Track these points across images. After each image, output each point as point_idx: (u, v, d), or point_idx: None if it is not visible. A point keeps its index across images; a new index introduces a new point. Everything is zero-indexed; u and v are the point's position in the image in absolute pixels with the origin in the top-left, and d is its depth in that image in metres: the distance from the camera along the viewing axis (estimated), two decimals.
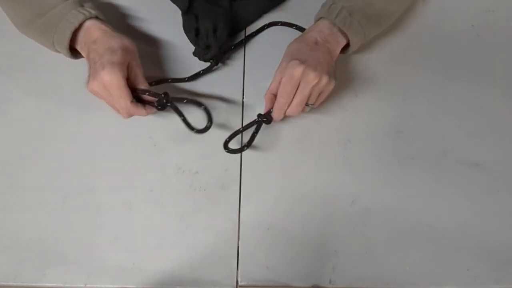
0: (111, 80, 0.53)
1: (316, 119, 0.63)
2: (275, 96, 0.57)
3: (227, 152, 0.58)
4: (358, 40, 0.60)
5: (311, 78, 0.54)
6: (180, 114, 0.58)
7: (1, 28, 0.68)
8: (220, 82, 0.65)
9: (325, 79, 0.54)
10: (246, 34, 0.68)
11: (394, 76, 0.66)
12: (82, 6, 0.58)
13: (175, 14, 0.67)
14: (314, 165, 0.60)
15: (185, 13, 0.64)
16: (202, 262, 0.55)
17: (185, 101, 0.57)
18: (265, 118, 0.58)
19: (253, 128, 0.59)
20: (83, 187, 0.58)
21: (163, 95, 0.56)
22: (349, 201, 0.58)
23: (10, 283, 0.54)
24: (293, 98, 0.56)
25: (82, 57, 0.61)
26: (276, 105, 0.57)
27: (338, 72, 0.65)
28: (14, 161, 0.60)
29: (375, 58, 0.67)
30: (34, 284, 0.54)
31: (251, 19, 0.69)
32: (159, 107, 0.57)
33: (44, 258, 0.55)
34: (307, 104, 0.57)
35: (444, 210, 0.58)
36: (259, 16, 0.69)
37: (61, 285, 0.54)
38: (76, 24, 0.56)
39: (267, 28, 0.68)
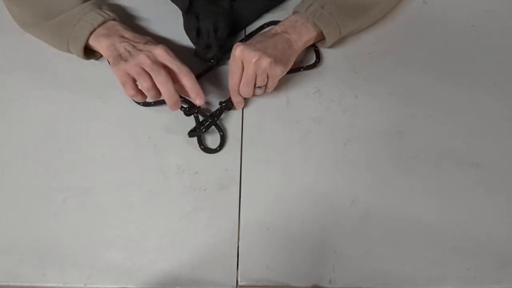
0: (168, 52, 0.56)
1: (316, 119, 0.63)
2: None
3: (189, 136, 0.60)
4: (331, 31, 0.61)
5: (250, 56, 0.56)
6: (199, 128, 0.60)
7: (1, 28, 0.68)
8: (220, 81, 0.65)
9: (265, 60, 0.56)
10: (246, 34, 0.68)
11: (394, 76, 0.66)
12: (100, 8, 0.60)
13: (176, 14, 0.67)
14: (314, 165, 0.60)
15: (186, 13, 0.64)
16: (202, 262, 0.55)
17: (209, 121, 0.60)
18: (224, 104, 0.61)
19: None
20: (83, 187, 0.58)
21: (199, 106, 0.59)
22: (349, 201, 0.58)
23: (10, 283, 0.54)
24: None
25: (92, 58, 0.63)
26: (229, 88, 0.60)
27: (338, 72, 0.66)
28: (14, 161, 0.60)
29: (375, 58, 0.67)
30: (34, 284, 0.54)
31: (251, 19, 0.69)
32: (187, 113, 0.60)
33: (44, 258, 0.55)
34: (258, 87, 0.59)
35: (444, 210, 0.58)
36: (259, 16, 0.69)
37: (61, 285, 0.54)
38: (95, 25, 0.58)
39: (266, 27, 0.68)
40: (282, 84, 0.64)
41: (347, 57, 0.67)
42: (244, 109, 0.63)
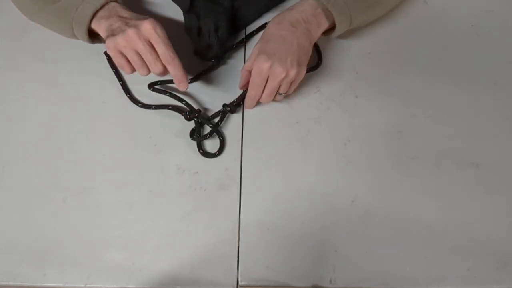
0: (155, 28, 0.54)
1: (316, 119, 0.63)
2: (249, 72, 0.58)
3: (191, 139, 0.60)
4: (343, 20, 0.59)
5: (278, 72, 0.55)
6: (198, 132, 0.60)
7: (1, 28, 0.68)
8: (221, 81, 0.65)
9: (292, 72, 0.55)
10: (247, 33, 0.68)
11: (394, 76, 0.66)
12: None
13: (176, 13, 0.67)
14: (314, 165, 0.60)
15: (187, 12, 0.64)
16: (202, 262, 0.55)
17: (211, 125, 0.60)
18: (229, 108, 0.60)
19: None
20: (83, 187, 0.58)
21: (199, 110, 0.60)
22: (349, 201, 0.58)
23: (10, 283, 0.54)
24: (263, 89, 0.57)
25: (98, 42, 0.61)
26: (247, 95, 0.59)
27: (338, 72, 0.66)
28: (14, 161, 0.60)
29: (375, 58, 0.67)
30: (34, 284, 0.54)
31: (252, 18, 0.69)
32: (188, 118, 0.60)
33: (44, 258, 0.55)
34: (279, 93, 0.59)
35: (444, 210, 0.58)
36: (259, 15, 0.69)
37: (61, 285, 0.54)
38: (98, 6, 0.57)
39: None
40: None
41: (347, 57, 0.67)
42: (244, 109, 0.63)
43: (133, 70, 0.57)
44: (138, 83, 0.64)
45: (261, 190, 0.58)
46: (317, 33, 0.58)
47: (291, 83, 0.58)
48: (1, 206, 0.57)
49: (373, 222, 0.57)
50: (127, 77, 0.65)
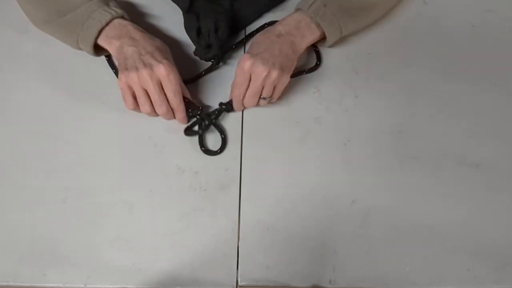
0: (169, 75, 0.55)
1: (316, 119, 0.63)
2: None
3: (185, 135, 0.61)
4: (333, 31, 0.61)
5: (260, 70, 0.56)
6: (201, 128, 0.60)
7: (2, 28, 0.68)
8: (221, 81, 0.65)
9: (275, 73, 0.56)
10: (246, 34, 0.68)
11: (394, 76, 0.66)
12: (107, 5, 0.60)
13: (176, 14, 0.67)
14: (314, 165, 0.60)
15: (186, 13, 0.64)
16: (202, 262, 0.55)
17: (212, 122, 0.61)
18: (224, 106, 0.61)
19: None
20: (83, 187, 0.58)
21: (201, 108, 0.60)
22: (349, 201, 0.58)
23: (10, 283, 0.54)
24: (247, 89, 0.58)
25: (103, 54, 0.62)
26: (232, 95, 0.60)
27: (338, 72, 0.66)
28: (14, 161, 0.60)
29: (375, 58, 0.67)
30: (34, 284, 0.54)
31: (252, 18, 0.69)
32: (190, 115, 0.60)
33: (44, 258, 0.55)
34: (263, 98, 0.59)
35: (444, 210, 0.58)
36: (259, 15, 0.69)
37: (61, 285, 0.54)
38: (103, 23, 0.58)
39: (267, 27, 0.68)
40: None
41: (347, 57, 0.67)
42: (244, 109, 0.63)
43: (135, 106, 0.58)
44: None
45: (261, 190, 0.58)
46: (301, 44, 0.60)
47: (274, 88, 0.58)
48: (1, 206, 0.57)
49: (373, 223, 0.57)
50: None
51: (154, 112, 0.58)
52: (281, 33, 0.60)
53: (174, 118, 0.60)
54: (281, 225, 0.57)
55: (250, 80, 0.58)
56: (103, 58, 0.65)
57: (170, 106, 0.58)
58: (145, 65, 0.55)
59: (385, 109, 0.63)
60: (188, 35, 0.65)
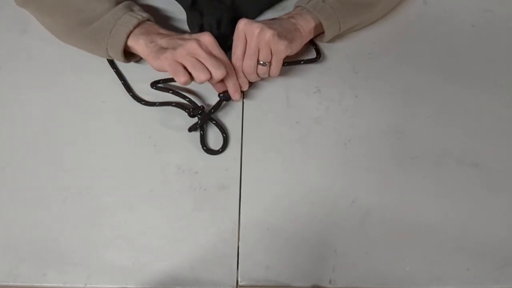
0: (215, 41, 0.56)
1: (316, 119, 0.63)
2: None
3: (189, 131, 0.61)
4: (331, 25, 0.61)
5: (253, 27, 0.56)
6: (202, 126, 0.60)
7: (2, 28, 0.68)
8: None
9: (268, 32, 0.56)
10: None
11: (394, 76, 0.66)
12: (132, 10, 0.60)
13: (179, 11, 0.67)
14: (314, 165, 0.60)
15: (189, 10, 0.65)
16: (202, 262, 0.55)
17: (210, 113, 0.61)
18: (222, 94, 0.61)
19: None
20: (83, 187, 0.58)
21: (202, 107, 0.61)
22: (349, 201, 0.58)
23: (10, 283, 0.54)
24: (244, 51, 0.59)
25: (132, 60, 0.63)
26: (232, 61, 0.60)
27: (338, 72, 0.66)
28: (14, 161, 0.60)
29: (375, 58, 0.67)
30: (34, 284, 0.54)
31: (253, 15, 0.69)
32: (192, 114, 0.60)
33: (44, 258, 0.55)
34: (262, 64, 0.59)
35: (444, 210, 0.58)
36: (260, 12, 0.70)
37: (61, 285, 0.54)
38: (131, 28, 0.58)
39: None
40: (282, 83, 0.64)
41: (347, 56, 0.67)
42: (244, 109, 0.63)
43: (189, 77, 0.56)
44: (139, 82, 0.64)
45: (261, 190, 0.58)
46: (305, 26, 0.61)
47: (272, 55, 0.58)
48: (1, 206, 0.57)
49: (373, 222, 0.57)
50: (128, 76, 0.64)
51: (211, 78, 0.57)
52: (282, 17, 0.61)
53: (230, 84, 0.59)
54: (281, 225, 0.57)
55: (246, 43, 0.58)
56: (103, 58, 0.65)
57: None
58: (189, 39, 0.56)
59: (385, 109, 0.63)
60: (191, 31, 0.65)
